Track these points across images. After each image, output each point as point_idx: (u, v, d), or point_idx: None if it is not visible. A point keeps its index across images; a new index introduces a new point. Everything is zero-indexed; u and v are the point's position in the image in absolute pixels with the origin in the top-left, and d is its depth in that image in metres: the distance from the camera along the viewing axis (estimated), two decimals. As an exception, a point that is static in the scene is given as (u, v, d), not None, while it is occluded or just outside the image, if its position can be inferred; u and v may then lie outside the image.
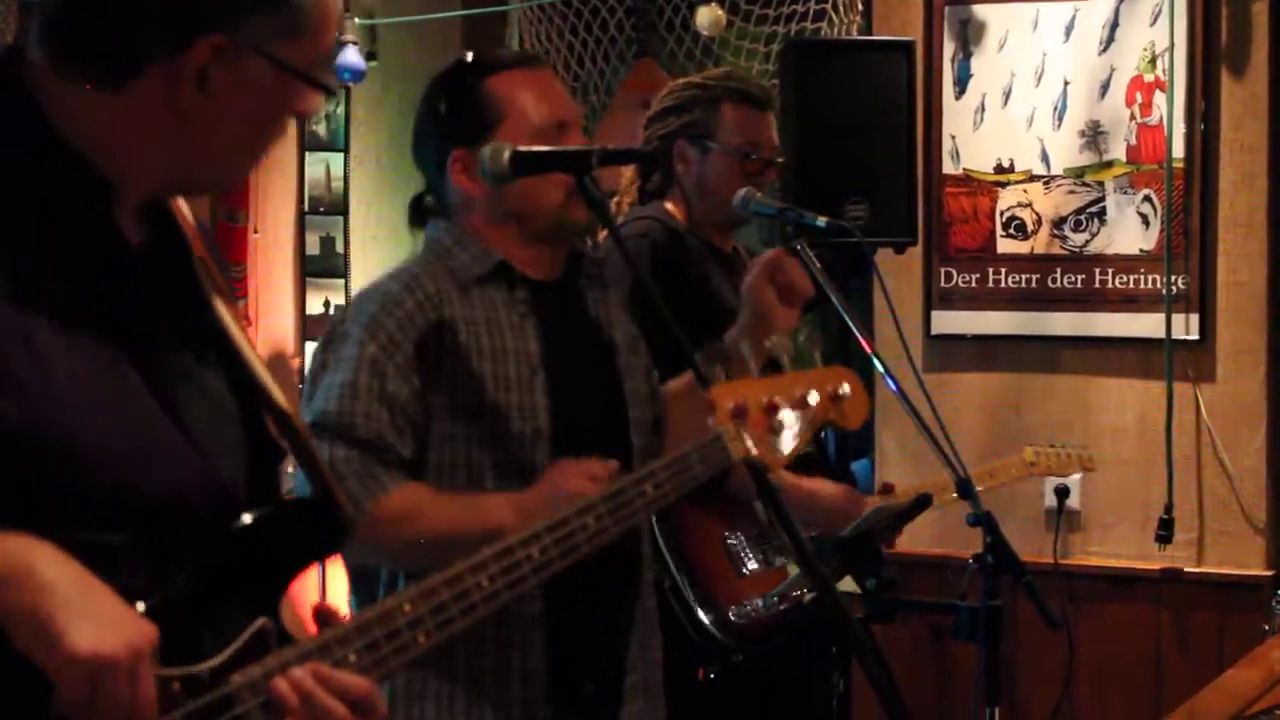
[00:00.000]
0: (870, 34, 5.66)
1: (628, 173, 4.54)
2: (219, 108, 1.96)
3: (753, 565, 4.14)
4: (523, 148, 3.07)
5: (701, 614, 4.05)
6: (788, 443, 2.77)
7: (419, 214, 3.47)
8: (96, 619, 1.79)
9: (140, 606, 1.86)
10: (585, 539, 2.38)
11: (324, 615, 2.09)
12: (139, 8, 1.93)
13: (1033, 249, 5.45)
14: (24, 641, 1.75)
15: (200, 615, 1.95)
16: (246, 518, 1.99)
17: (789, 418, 2.78)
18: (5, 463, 1.84)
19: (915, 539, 5.19)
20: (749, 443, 2.69)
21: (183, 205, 2.14)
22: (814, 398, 2.79)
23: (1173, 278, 5.23)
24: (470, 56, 3.43)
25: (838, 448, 4.62)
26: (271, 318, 6.20)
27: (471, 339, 3.14)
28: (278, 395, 2.14)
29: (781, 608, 4.11)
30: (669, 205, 4.38)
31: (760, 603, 4.07)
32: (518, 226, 3.21)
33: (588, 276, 3.41)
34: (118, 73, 1.93)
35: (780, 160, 4.49)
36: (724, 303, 4.11)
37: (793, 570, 4.19)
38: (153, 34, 1.92)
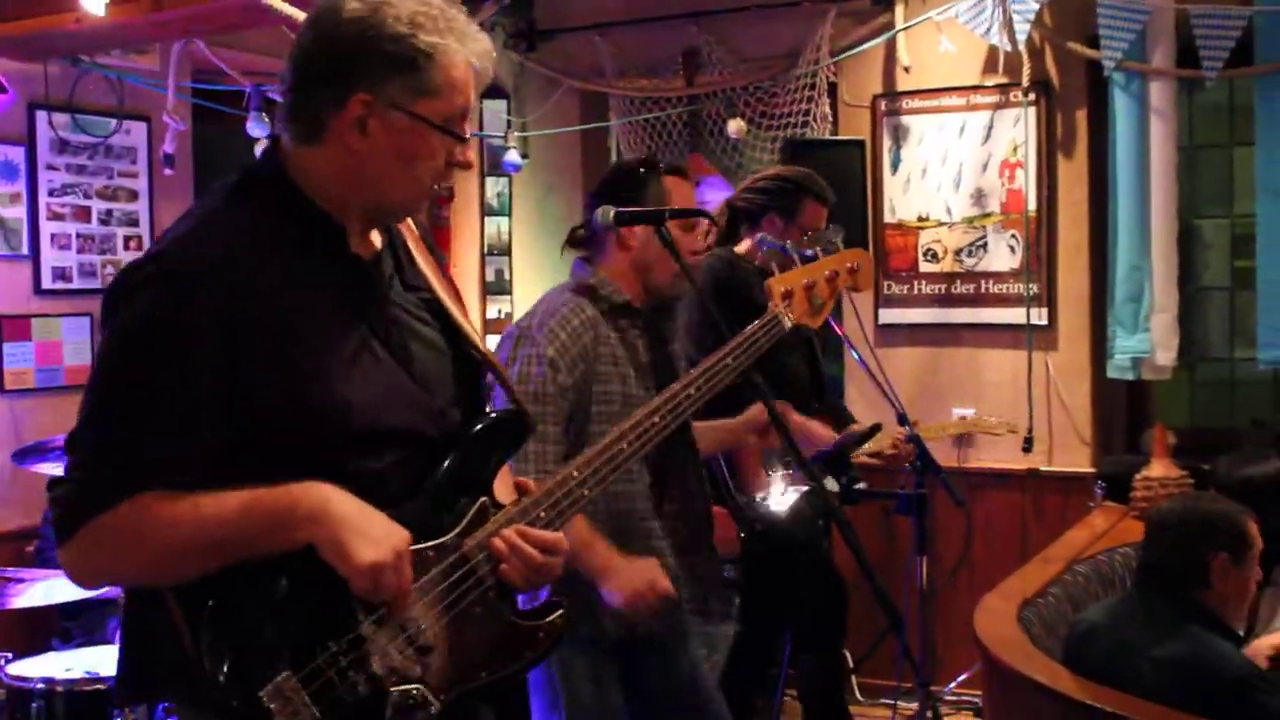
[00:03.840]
0: (837, 135, 6.19)
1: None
2: (378, 150, 2.11)
3: (776, 470, 4.46)
4: (622, 209, 3.33)
5: (737, 496, 4.41)
6: (819, 309, 3.04)
7: (572, 240, 3.64)
8: (371, 537, 2.00)
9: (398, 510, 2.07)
10: (690, 402, 2.66)
11: (520, 487, 2.29)
12: (314, 76, 2.11)
13: (942, 269, 6.12)
14: (329, 558, 1.99)
15: (440, 503, 2.17)
16: (464, 431, 2.24)
17: (821, 290, 3.02)
18: (300, 422, 2.06)
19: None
20: (791, 317, 2.99)
21: (410, 224, 2.35)
22: (836, 273, 3.06)
23: (1030, 286, 5.90)
24: (648, 159, 3.68)
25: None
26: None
27: (608, 348, 3.40)
28: (474, 336, 2.34)
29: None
30: (741, 248, 4.70)
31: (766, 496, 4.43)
32: (641, 277, 3.47)
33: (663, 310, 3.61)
34: (313, 127, 2.12)
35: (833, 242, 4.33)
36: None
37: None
38: (324, 94, 2.09)
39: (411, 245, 2.33)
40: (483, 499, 2.20)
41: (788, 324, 2.98)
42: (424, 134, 2.11)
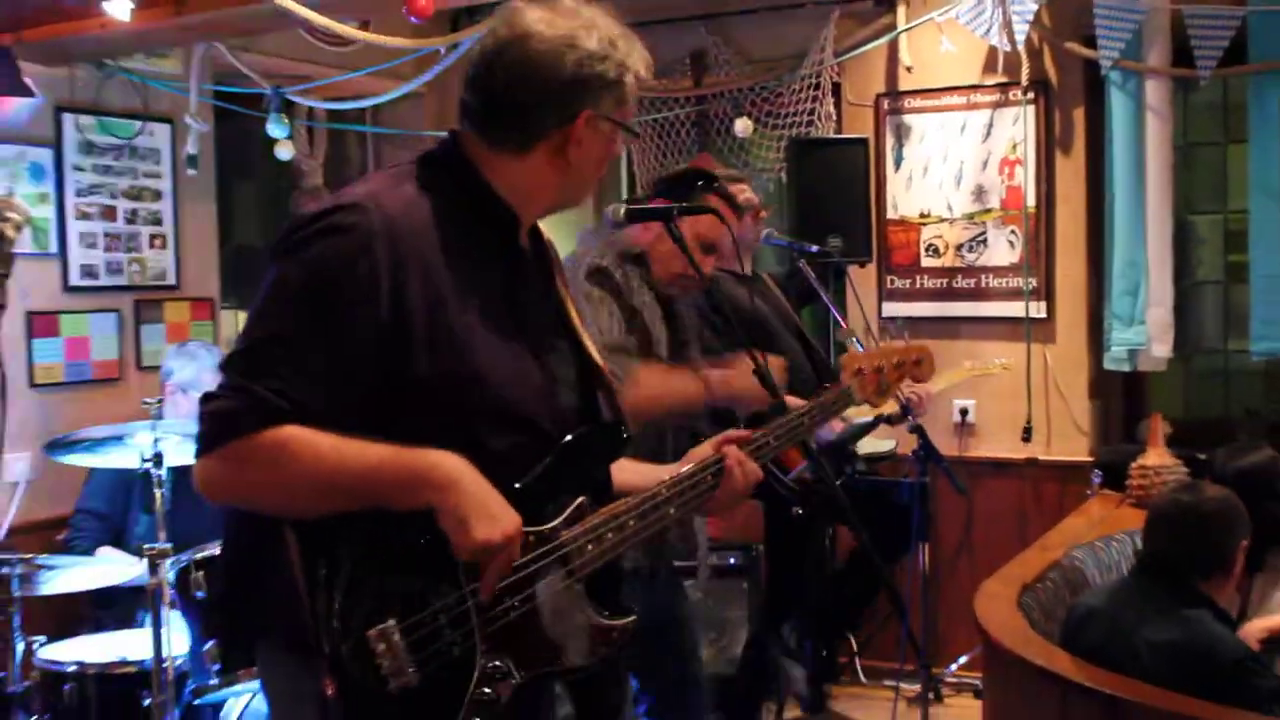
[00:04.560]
0: (841, 133, 6.21)
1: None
2: (587, 156, 2.28)
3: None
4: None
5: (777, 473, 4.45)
6: (885, 392, 3.07)
7: None
8: (490, 515, 2.06)
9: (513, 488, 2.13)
10: (769, 450, 2.61)
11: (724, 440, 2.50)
12: (541, 102, 2.22)
13: (943, 264, 6.14)
14: (446, 525, 2.05)
15: (545, 495, 2.22)
16: (571, 435, 2.27)
17: (889, 375, 3.05)
18: (439, 387, 2.11)
19: (877, 441, 5.64)
20: (863, 394, 3.03)
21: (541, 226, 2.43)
22: (903, 363, 3.09)
23: (1029, 280, 5.91)
24: (709, 175, 3.73)
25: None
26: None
27: (634, 289, 3.59)
28: (594, 352, 2.43)
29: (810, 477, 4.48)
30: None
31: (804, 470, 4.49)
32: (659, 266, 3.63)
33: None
34: (527, 141, 2.24)
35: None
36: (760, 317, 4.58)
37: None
38: (552, 117, 2.23)
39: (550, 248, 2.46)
40: (582, 498, 2.26)
41: (856, 401, 3.04)
42: (617, 135, 2.31)
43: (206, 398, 2.06)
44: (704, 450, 2.50)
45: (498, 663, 2.12)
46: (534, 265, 2.36)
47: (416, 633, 2.05)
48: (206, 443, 2.03)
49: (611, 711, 3.44)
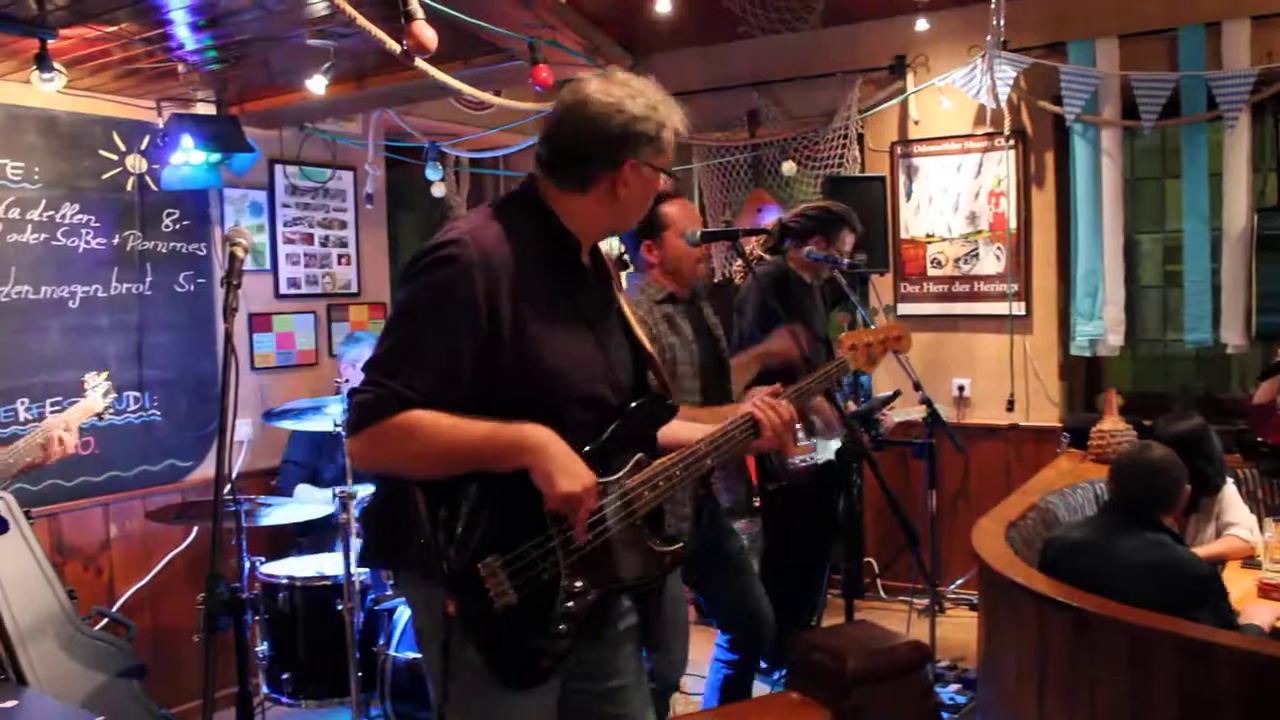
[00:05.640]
0: (865, 172, 6.12)
1: (757, 240, 4.78)
2: (632, 194, 2.25)
3: (800, 439, 4.42)
4: (706, 229, 3.45)
5: (774, 458, 4.41)
6: (873, 361, 3.07)
7: (622, 265, 4.10)
8: (572, 473, 2.08)
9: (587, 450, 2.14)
10: (782, 419, 2.47)
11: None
12: (594, 153, 2.21)
13: (944, 273, 6.08)
14: (538, 481, 2.06)
15: (613, 451, 2.23)
16: (632, 405, 2.28)
17: (876, 349, 3.06)
18: (526, 378, 2.11)
19: (909, 410, 5.36)
20: (856, 363, 3.03)
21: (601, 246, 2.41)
22: (887, 339, 3.11)
23: (1011, 285, 5.87)
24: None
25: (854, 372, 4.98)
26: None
27: (661, 325, 3.48)
28: (645, 341, 2.42)
29: (804, 464, 4.45)
30: (790, 259, 4.59)
31: (798, 460, 4.45)
32: (673, 276, 3.57)
33: (699, 296, 3.69)
34: (585, 183, 2.23)
35: (850, 261, 4.65)
36: (804, 306, 4.48)
37: (819, 445, 4.47)
38: (604, 164, 2.22)
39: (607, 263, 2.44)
40: (640, 454, 2.27)
41: (850, 370, 3.02)
42: (657, 178, 2.27)
43: (353, 391, 2.08)
44: (741, 408, 2.47)
45: (578, 584, 2.14)
46: (594, 276, 2.34)
47: (515, 564, 2.08)
48: (354, 427, 2.06)
49: (667, 622, 3.46)
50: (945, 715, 4.38)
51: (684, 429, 2.42)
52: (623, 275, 3.48)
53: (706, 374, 3.55)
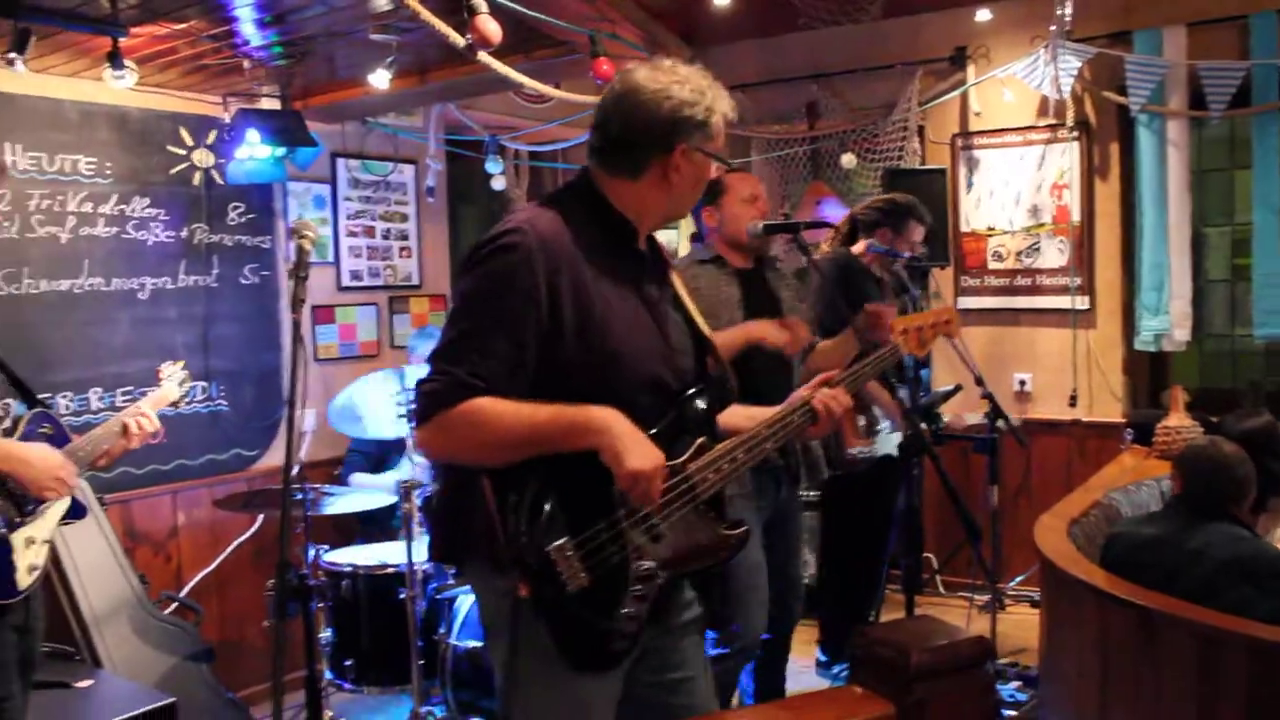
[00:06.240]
0: (925, 165, 6.10)
1: (828, 232, 4.85)
2: (684, 179, 2.25)
3: (861, 428, 4.49)
4: (768, 222, 3.46)
5: (832, 448, 4.29)
6: (924, 345, 3.08)
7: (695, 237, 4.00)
8: (641, 452, 2.06)
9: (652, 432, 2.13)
10: (839, 406, 2.46)
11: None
12: (645, 139, 2.21)
13: (1005, 267, 6.02)
14: (607, 460, 2.05)
15: (675, 435, 2.22)
16: (692, 389, 2.28)
17: (926, 333, 3.07)
18: (589, 361, 2.12)
19: (958, 406, 5.71)
20: (907, 347, 3.05)
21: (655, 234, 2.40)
22: (936, 323, 3.12)
23: (1074, 279, 5.80)
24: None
25: (915, 364, 4.59)
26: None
27: (698, 283, 3.46)
28: (702, 324, 2.41)
29: (860, 456, 4.49)
30: (855, 249, 4.64)
31: (855, 451, 4.48)
32: (732, 244, 3.61)
33: (769, 268, 3.71)
34: (637, 169, 2.23)
35: (911, 255, 4.64)
36: (870, 298, 4.37)
37: (880, 439, 4.52)
38: (655, 150, 2.22)
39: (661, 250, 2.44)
40: (702, 438, 2.25)
41: (902, 354, 3.04)
42: (708, 164, 2.26)
43: (420, 382, 2.08)
44: (800, 394, 2.45)
45: (647, 565, 2.15)
46: (651, 263, 2.33)
47: (585, 547, 2.08)
48: (422, 416, 2.05)
49: (745, 588, 3.48)
50: (1005, 712, 4.35)
51: (743, 412, 2.41)
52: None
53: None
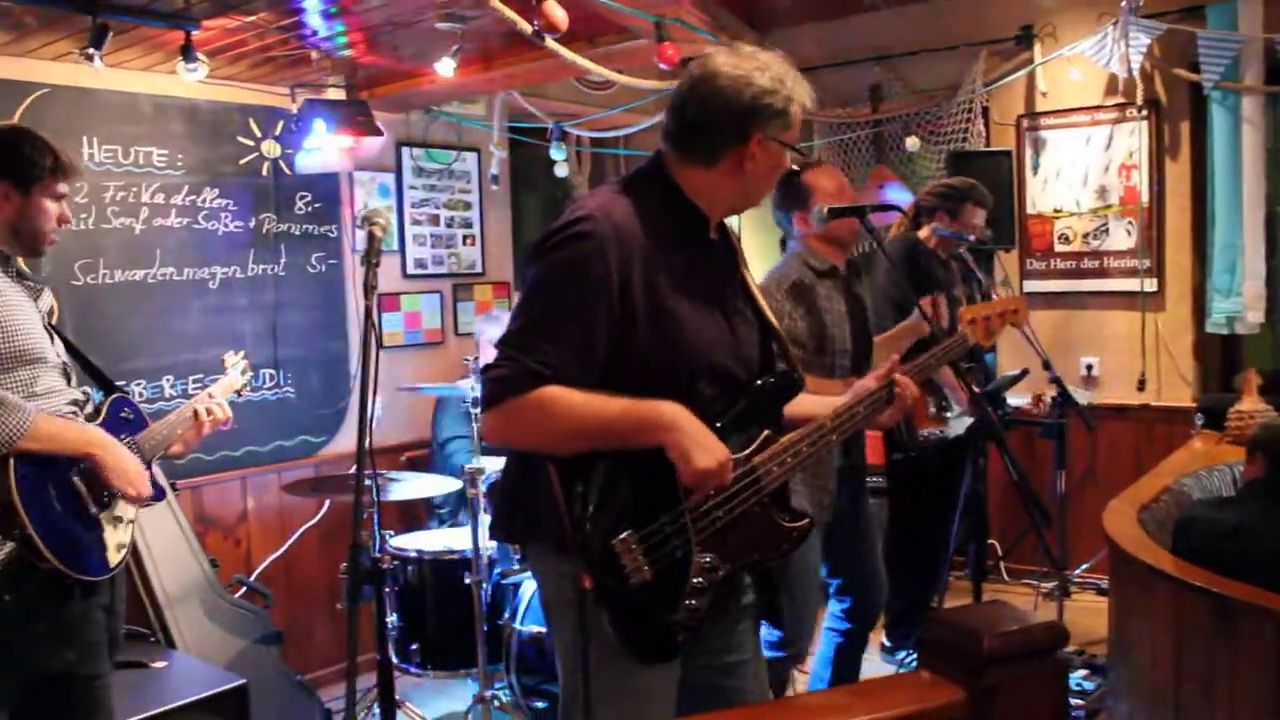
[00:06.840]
0: (990, 147, 6.06)
1: (898, 216, 4.94)
2: (759, 169, 2.22)
3: (932, 411, 4.44)
4: (834, 205, 3.35)
5: (903, 429, 4.33)
6: (991, 335, 3.14)
7: (783, 243, 4.02)
8: (705, 448, 2.06)
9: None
10: (910, 395, 2.45)
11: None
12: (722, 126, 2.18)
13: (1072, 249, 5.96)
14: (673, 457, 2.05)
15: (741, 428, 2.21)
16: (758, 381, 2.27)
17: (994, 322, 3.13)
18: (658, 351, 2.10)
19: (1026, 390, 5.38)
20: (975, 337, 3.09)
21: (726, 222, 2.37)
22: (1004, 312, 3.17)
23: (1143, 261, 5.74)
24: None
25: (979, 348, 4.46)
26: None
27: (822, 300, 3.50)
28: (771, 317, 2.38)
29: (932, 437, 4.44)
30: (922, 233, 4.68)
31: (926, 432, 4.44)
32: (835, 244, 3.60)
33: (852, 269, 3.71)
34: (712, 157, 2.20)
35: (977, 238, 4.63)
36: (938, 281, 4.47)
37: (951, 421, 4.46)
38: (731, 138, 2.18)
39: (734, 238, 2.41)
40: (767, 431, 2.24)
41: (970, 343, 3.02)
42: (784, 154, 2.23)
43: (488, 368, 2.07)
44: (866, 384, 2.42)
45: (709, 559, 2.13)
46: (721, 251, 2.31)
47: (649, 540, 2.08)
48: (489, 402, 2.04)
49: (799, 592, 3.48)
50: (1073, 700, 4.29)
51: (810, 403, 2.39)
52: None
53: (855, 353, 3.53)
